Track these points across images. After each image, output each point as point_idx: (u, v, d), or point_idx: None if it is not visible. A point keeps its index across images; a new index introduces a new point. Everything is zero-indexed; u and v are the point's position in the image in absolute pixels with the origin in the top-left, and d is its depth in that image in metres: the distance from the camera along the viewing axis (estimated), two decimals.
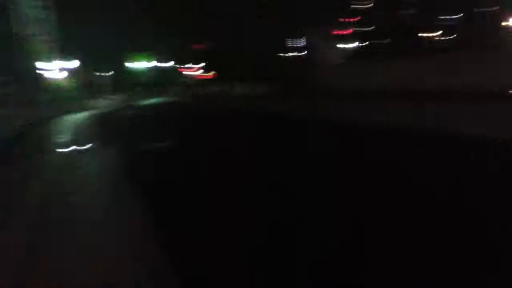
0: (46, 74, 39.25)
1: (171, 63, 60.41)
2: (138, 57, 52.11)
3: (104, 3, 43.28)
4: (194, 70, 66.69)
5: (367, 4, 60.75)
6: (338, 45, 57.86)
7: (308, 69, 45.39)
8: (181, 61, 63.10)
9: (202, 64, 64.96)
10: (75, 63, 42.01)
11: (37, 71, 38.69)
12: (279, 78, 44.15)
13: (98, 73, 47.11)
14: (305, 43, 63.11)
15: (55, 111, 30.47)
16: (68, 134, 18.64)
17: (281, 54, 62.13)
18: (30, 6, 40.12)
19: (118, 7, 45.73)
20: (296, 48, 64.03)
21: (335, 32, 59.48)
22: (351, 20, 61.03)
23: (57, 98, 35.56)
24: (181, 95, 49.32)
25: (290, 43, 63.83)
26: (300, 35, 62.76)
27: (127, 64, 51.42)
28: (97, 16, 41.77)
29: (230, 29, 53.09)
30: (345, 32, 60.32)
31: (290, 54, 63.38)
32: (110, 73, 48.30)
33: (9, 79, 33.47)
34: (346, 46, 58.22)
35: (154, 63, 55.50)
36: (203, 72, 64.69)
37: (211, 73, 63.10)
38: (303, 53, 63.23)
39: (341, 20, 60.39)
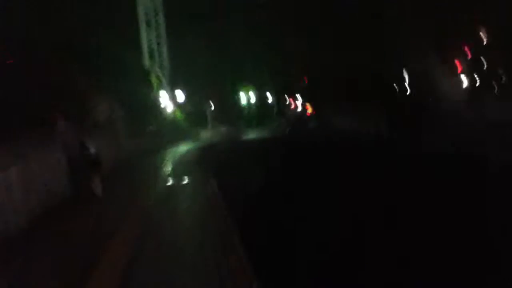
0: (161, 105, 41.53)
1: (275, 98, 61.09)
2: (244, 90, 53.28)
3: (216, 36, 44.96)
4: (296, 106, 66.78)
5: None
6: None
7: None
8: (286, 96, 63.60)
9: (304, 100, 64.92)
10: (183, 95, 43.79)
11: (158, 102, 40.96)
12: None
13: (203, 106, 49.03)
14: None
15: (163, 142, 31.95)
16: (176, 166, 19.10)
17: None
18: (152, 41, 43.19)
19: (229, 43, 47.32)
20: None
21: None
22: None
23: (168, 129, 37.42)
24: (282, 131, 49.33)
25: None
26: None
27: (233, 97, 52.75)
28: (208, 51, 43.64)
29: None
30: None
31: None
32: (214, 106, 49.97)
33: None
34: None
35: (258, 97, 56.36)
36: (305, 108, 64.53)
37: (311, 109, 62.69)
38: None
39: None
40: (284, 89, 62.03)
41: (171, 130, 37.50)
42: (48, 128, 11.38)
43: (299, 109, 65.43)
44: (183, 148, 30.13)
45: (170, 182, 14.25)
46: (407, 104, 31.46)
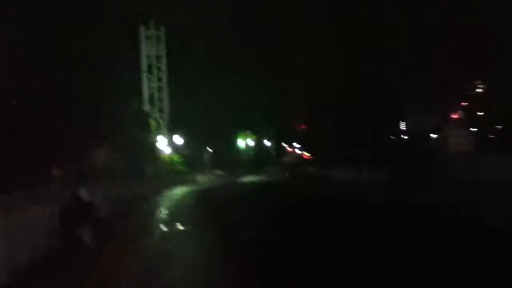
0: (159, 149, 41.50)
1: (273, 142, 61.41)
2: (241, 135, 53.62)
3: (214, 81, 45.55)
4: (294, 151, 67.04)
5: None
6: None
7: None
8: (284, 140, 63.99)
9: (301, 145, 65.26)
10: (181, 139, 43.92)
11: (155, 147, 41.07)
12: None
13: (201, 150, 49.18)
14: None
15: (160, 186, 31.62)
16: (170, 212, 18.83)
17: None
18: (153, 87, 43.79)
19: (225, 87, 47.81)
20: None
21: None
22: None
23: (164, 173, 37.18)
24: (281, 175, 49.22)
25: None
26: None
27: (230, 141, 53.03)
28: (206, 96, 44.17)
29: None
30: None
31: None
32: (212, 150, 50.04)
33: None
34: None
35: (256, 141, 56.66)
36: (303, 153, 64.74)
37: (310, 154, 62.81)
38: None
39: None
40: (282, 135, 62.52)
41: (168, 174, 37.43)
42: (43, 179, 11.22)
43: (297, 154, 65.76)
44: (180, 192, 29.81)
45: (167, 229, 13.99)
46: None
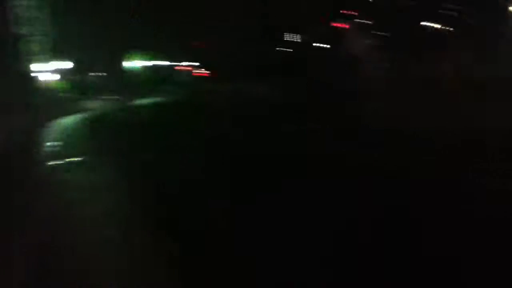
0: (41, 76, 37.59)
1: (168, 62, 58.94)
2: (134, 56, 50.43)
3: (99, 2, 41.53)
4: (192, 69, 65.30)
5: None
6: None
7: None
8: (179, 59, 61.66)
9: (200, 63, 63.69)
10: (69, 64, 40.18)
11: (32, 73, 37.08)
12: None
13: (93, 74, 45.59)
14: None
15: (49, 115, 28.97)
16: (61, 142, 17.32)
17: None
18: (24, 6, 38.35)
19: (114, 6, 43.94)
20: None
21: None
22: None
23: (52, 101, 33.98)
24: (178, 95, 47.86)
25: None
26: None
27: (123, 64, 49.67)
28: (92, 16, 40.16)
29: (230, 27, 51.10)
30: None
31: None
32: (105, 73, 46.66)
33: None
34: None
35: (150, 62, 53.84)
36: (201, 71, 63.34)
37: (208, 72, 61.71)
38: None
39: None
40: (178, 54, 60.16)
41: (57, 103, 34.40)
42: None
43: (196, 72, 64.21)
44: (70, 121, 27.71)
45: (59, 161, 12.74)
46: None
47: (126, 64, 49.89)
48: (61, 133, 21.14)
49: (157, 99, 43.13)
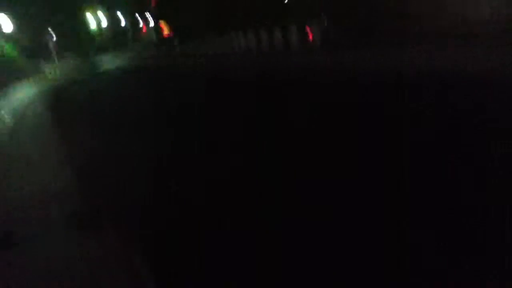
0: None
1: (128, 16, 51.40)
2: (90, 8, 42.45)
3: None
4: (151, 27, 58.85)
5: None
6: None
7: None
8: (138, 17, 54.49)
9: (160, 21, 56.89)
10: (9, 24, 31.76)
11: None
12: None
13: (41, 34, 37.41)
14: None
15: None
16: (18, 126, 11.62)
17: None
18: None
19: None
20: None
21: None
22: None
23: None
24: (138, 57, 41.28)
25: None
26: None
27: (78, 19, 41.52)
28: None
29: None
30: None
31: None
32: (57, 35, 38.60)
33: None
34: None
35: (108, 16, 45.99)
36: (161, 30, 56.62)
37: (169, 31, 55.00)
38: None
39: None
40: (136, 9, 52.91)
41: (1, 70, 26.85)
42: None
43: (155, 28, 57.67)
44: (23, 94, 21.21)
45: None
46: None
47: (83, 19, 42.00)
48: (15, 110, 15.04)
49: (121, 61, 36.59)
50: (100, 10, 43.70)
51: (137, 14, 54.63)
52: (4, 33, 30.43)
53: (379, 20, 16.78)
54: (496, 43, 10.18)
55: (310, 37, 22.64)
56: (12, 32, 31.27)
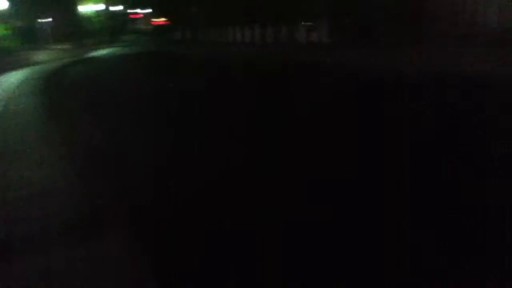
0: None
1: (122, 8, 50.97)
2: (86, 2, 41.98)
3: None
4: (145, 16, 58.55)
5: None
6: None
7: None
8: (133, 6, 54.09)
9: (151, 10, 56.59)
10: (4, 3, 31.32)
11: None
12: None
13: (38, 20, 36.85)
14: None
15: None
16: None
17: None
18: None
19: None
20: None
21: None
22: None
23: None
24: (140, 45, 41.01)
25: None
26: None
27: (72, 9, 41.04)
28: None
29: None
30: None
31: None
32: (51, 19, 38.02)
33: None
34: None
35: (102, 7, 45.48)
36: (155, 18, 56.25)
37: (163, 19, 54.64)
38: None
39: None
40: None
41: None
42: None
43: (154, 20, 57.42)
44: (15, 79, 20.66)
45: None
46: None
47: (78, 8, 41.47)
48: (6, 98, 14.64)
49: (117, 49, 36.05)
50: (98, 1, 43.27)
51: (132, 7, 54.37)
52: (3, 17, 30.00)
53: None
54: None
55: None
56: (5, 15, 30.76)
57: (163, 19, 54.38)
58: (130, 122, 8.44)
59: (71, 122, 8.63)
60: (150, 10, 57.68)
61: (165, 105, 10.20)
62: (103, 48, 37.05)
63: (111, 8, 46.90)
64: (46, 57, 29.76)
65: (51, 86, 15.47)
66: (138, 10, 58.85)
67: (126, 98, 11.67)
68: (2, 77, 19.96)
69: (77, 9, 40.32)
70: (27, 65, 24.91)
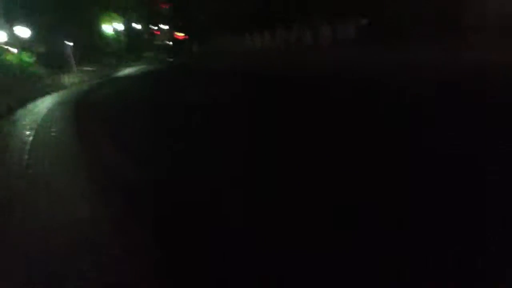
0: None
1: (143, 25, 50.51)
2: (106, 18, 41.37)
3: None
4: (162, 32, 58.39)
5: None
6: None
7: None
8: (152, 22, 53.77)
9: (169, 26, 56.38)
10: (26, 31, 30.78)
11: None
12: None
13: (60, 44, 36.15)
14: None
15: (10, 100, 20.37)
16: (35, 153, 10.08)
17: None
18: None
19: None
20: None
21: None
22: None
23: (11, 81, 24.77)
24: (162, 61, 40.34)
25: None
26: None
27: (94, 28, 40.42)
28: None
29: None
30: None
31: None
32: (75, 43, 37.33)
33: None
34: None
35: (125, 25, 44.99)
36: (175, 33, 55.97)
37: (182, 34, 54.35)
38: None
39: None
40: (149, 17, 52.41)
41: (21, 81, 25.23)
42: None
43: (168, 35, 57.41)
44: (44, 105, 19.63)
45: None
46: None
47: (100, 29, 40.89)
48: (33, 129, 13.49)
49: (140, 68, 35.35)
50: (116, 20, 42.66)
51: (151, 25, 54.09)
52: (23, 42, 29.40)
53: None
54: None
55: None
56: (28, 42, 30.20)
57: (182, 34, 54.09)
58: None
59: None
60: (167, 27, 57.54)
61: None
62: (129, 66, 36.50)
63: (130, 26, 46.37)
64: (75, 80, 29.29)
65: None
66: (156, 27, 58.78)
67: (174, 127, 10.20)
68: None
69: (98, 31, 39.68)
70: (61, 88, 24.86)
